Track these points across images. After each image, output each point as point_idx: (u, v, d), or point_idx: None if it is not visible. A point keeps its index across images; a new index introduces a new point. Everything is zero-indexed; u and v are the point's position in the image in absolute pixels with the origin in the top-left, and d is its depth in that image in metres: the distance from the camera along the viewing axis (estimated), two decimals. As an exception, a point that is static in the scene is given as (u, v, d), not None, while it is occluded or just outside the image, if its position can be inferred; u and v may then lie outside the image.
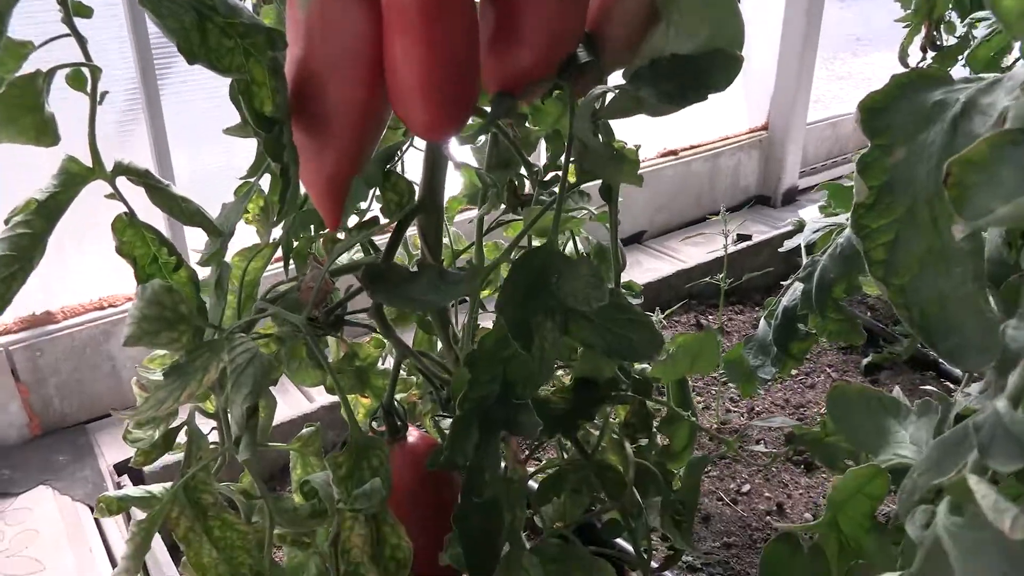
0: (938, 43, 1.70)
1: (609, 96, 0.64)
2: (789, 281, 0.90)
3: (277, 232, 0.82)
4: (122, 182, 0.65)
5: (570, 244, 0.91)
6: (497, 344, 0.63)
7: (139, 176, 0.64)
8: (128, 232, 0.66)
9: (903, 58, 1.77)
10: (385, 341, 0.99)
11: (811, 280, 0.82)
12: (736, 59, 0.58)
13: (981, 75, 0.50)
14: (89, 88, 0.61)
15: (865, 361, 1.79)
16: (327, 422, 1.51)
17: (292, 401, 1.85)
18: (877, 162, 0.50)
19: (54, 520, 1.51)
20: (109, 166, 0.64)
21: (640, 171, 0.96)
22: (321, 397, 1.79)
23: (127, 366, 1.84)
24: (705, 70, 0.59)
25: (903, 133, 0.49)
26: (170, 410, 0.61)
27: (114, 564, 1.42)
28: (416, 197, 0.76)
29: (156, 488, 0.78)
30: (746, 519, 1.31)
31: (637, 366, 0.78)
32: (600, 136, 0.70)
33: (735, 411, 1.58)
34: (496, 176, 0.85)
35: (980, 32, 1.68)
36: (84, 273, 1.82)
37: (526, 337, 0.60)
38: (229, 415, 0.64)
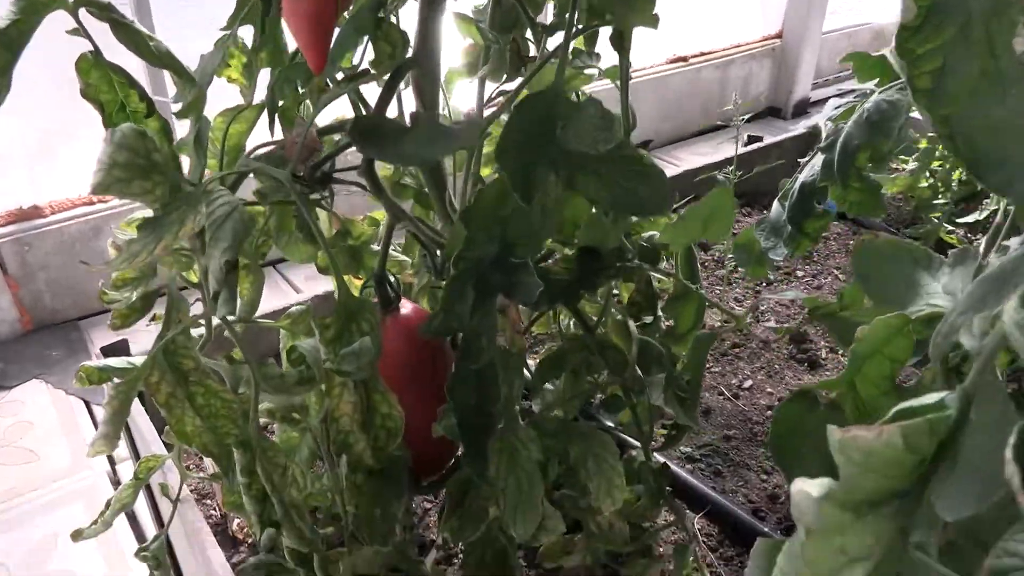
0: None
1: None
2: (808, 157, 0.85)
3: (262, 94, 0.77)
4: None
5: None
6: (496, 199, 0.59)
7: (101, 8, 0.58)
8: (93, 73, 0.60)
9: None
10: (378, 219, 0.94)
11: (833, 149, 0.77)
12: None
13: None
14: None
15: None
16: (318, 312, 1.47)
17: (280, 294, 1.82)
18: None
19: (48, 412, 1.50)
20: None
21: (647, 77, 0.89)
22: (309, 289, 1.76)
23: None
24: None
25: None
26: (144, 263, 0.57)
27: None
28: (410, 48, 0.70)
29: (138, 359, 0.74)
30: (747, 413, 1.29)
31: (645, 234, 0.74)
32: None
33: (740, 308, 1.54)
34: (499, 38, 0.79)
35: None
36: (74, 168, 1.76)
37: (527, 187, 0.55)
38: (208, 270, 0.60)
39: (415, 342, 0.71)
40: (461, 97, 0.96)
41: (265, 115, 0.77)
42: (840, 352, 1.41)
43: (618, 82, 0.68)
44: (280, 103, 0.75)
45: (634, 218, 0.75)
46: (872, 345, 0.46)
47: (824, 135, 0.83)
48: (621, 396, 0.76)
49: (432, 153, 0.63)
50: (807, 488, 0.25)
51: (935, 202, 1.84)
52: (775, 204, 0.90)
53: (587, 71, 0.78)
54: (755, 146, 1.86)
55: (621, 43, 0.64)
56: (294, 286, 1.87)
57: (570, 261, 0.70)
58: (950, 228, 1.80)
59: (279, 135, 0.78)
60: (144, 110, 0.63)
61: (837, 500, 0.25)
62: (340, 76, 0.70)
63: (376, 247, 0.94)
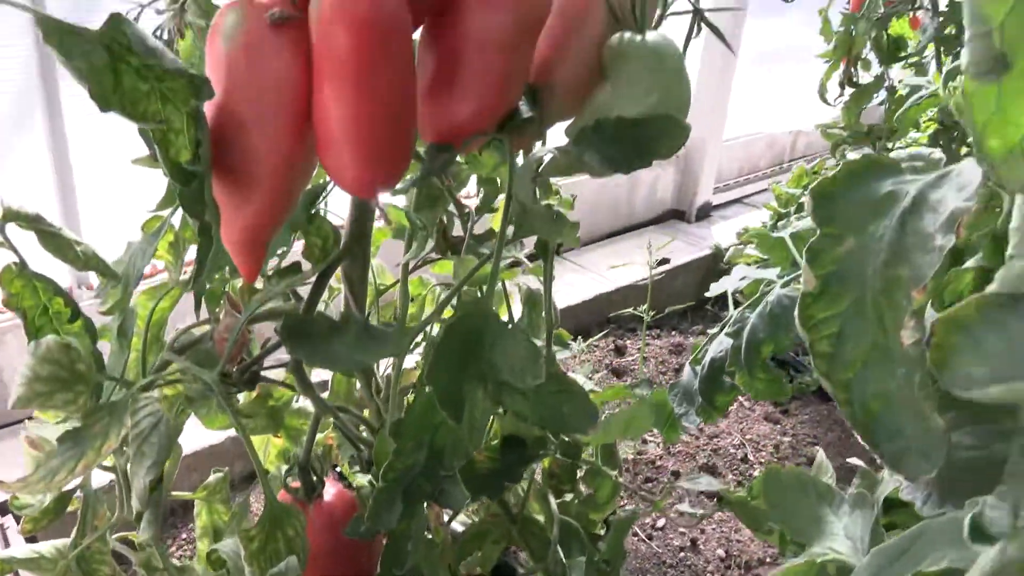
0: (855, 80, 1.75)
1: (550, 155, 0.62)
2: (716, 330, 0.90)
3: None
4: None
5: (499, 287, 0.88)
6: (425, 412, 0.60)
7: (29, 221, 0.58)
8: (16, 283, 0.59)
9: (822, 94, 1.82)
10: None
11: (740, 336, 0.82)
12: (683, 127, 0.57)
13: (926, 156, 0.49)
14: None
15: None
16: (235, 453, 1.43)
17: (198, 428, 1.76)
18: (826, 251, 0.48)
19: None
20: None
21: (562, 181, 0.94)
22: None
23: (12, 378, 1.71)
24: (651, 136, 0.57)
25: (853, 224, 0.48)
26: (63, 483, 0.56)
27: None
28: (342, 242, 0.72)
29: (45, 547, 0.71)
30: (660, 555, 1.32)
31: (567, 426, 0.76)
32: (538, 194, 0.68)
33: (652, 440, 1.59)
34: (424, 216, 0.82)
35: (894, 73, 1.74)
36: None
37: (457, 408, 0.57)
38: (131, 485, 0.59)
39: (338, 534, 0.71)
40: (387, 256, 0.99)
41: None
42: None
43: (541, 279, 0.71)
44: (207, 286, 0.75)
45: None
46: (784, 586, 0.50)
47: (732, 320, 0.88)
48: (543, 578, 0.78)
49: (361, 359, 0.64)
50: None
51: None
52: (687, 368, 0.94)
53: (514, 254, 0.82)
54: (663, 268, 1.94)
55: (546, 251, 0.68)
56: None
57: (494, 451, 0.72)
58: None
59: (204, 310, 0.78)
60: (69, 313, 0.62)
61: None
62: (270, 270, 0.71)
63: (295, 404, 0.93)
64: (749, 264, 1.52)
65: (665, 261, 2.04)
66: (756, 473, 1.56)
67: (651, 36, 0.59)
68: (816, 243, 0.49)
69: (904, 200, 0.47)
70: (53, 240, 0.60)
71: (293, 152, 0.56)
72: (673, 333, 2.01)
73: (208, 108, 0.55)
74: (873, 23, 1.59)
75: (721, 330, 0.88)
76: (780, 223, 1.84)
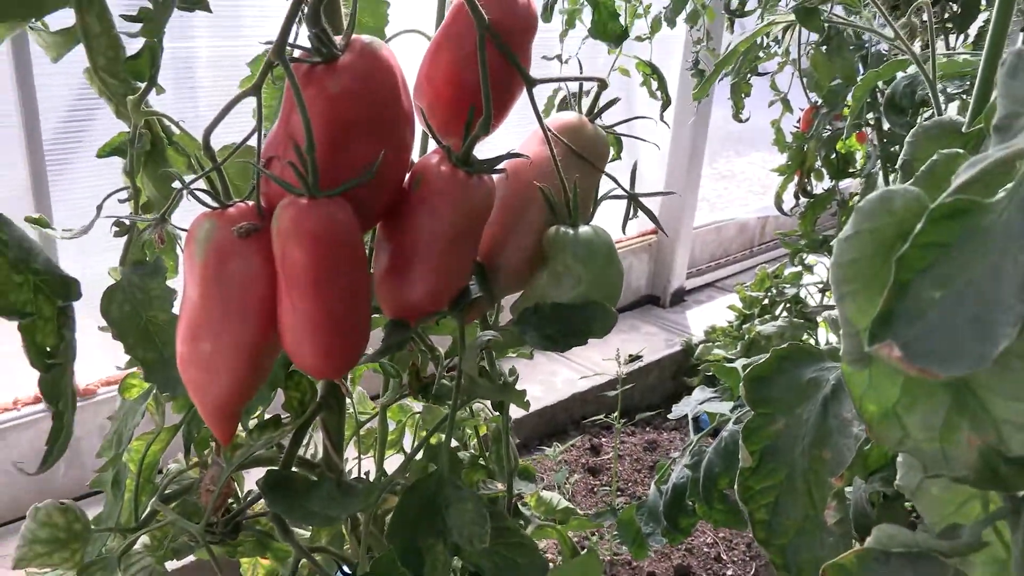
0: (810, 190, 1.87)
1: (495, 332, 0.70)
2: (679, 456, 0.97)
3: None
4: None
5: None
6: (391, 564, 0.67)
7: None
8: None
9: (778, 204, 1.93)
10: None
11: (698, 469, 0.89)
12: (611, 314, 0.65)
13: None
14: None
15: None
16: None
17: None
18: (760, 430, 0.54)
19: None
20: None
21: None
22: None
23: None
24: (583, 320, 0.66)
25: (782, 405, 0.53)
26: (61, 639, 0.62)
27: None
28: (319, 395, 0.79)
29: None
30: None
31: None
32: (489, 366, 0.76)
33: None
34: (396, 360, 0.90)
35: (846, 184, 1.86)
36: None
37: (417, 566, 0.64)
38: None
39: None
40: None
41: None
42: None
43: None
44: (196, 435, 0.82)
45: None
46: None
47: (691, 450, 0.95)
48: None
49: (334, 516, 0.71)
50: None
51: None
52: (652, 488, 1.01)
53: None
54: (636, 365, 2.03)
55: (501, 408, 0.76)
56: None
57: (458, 585, 0.78)
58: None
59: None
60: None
61: None
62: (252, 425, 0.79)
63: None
64: (712, 366, 1.61)
65: (637, 358, 2.13)
66: (730, 573, 1.61)
67: (583, 229, 0.68)
68: (751, 422, 0.54)
69: (825, 387, 0.54)
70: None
71: (258, 344, 0.62)
72: (648, 429, 2.08)
73: (185, 301, 0.62)
74: (822, 141, 1.71)
75: (684, 454, 0.96)
76: (744, 325, 1.95)
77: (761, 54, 1.64)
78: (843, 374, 0.35)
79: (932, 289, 0.24)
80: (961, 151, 0.36)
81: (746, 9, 1.65)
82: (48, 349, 0.57)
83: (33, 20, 0.63)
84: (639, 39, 1.95)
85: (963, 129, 0.59)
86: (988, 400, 0.31)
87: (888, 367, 0.32)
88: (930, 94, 0.61)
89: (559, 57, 1.97)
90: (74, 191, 1.98)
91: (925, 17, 0.98)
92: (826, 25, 1.12)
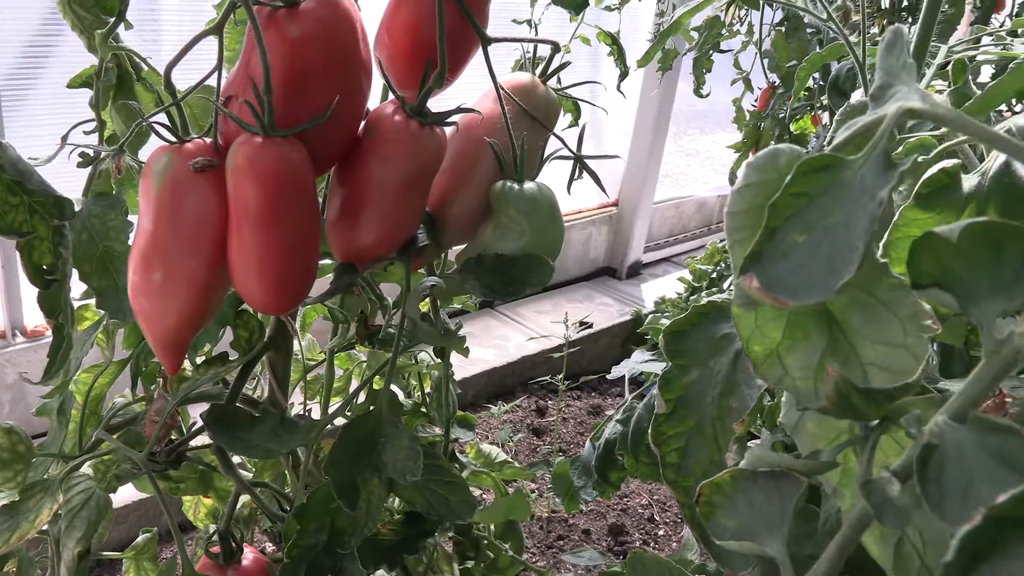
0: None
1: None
2: (612, 414, 1.02)
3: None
4: None
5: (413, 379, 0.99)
6: (327, 497, 0.70)
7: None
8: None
9: (732, 180, 1.98)
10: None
11: (628, 424, 0.94)
12: (549, 267, 0.68)
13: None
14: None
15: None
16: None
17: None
18: (675, 379, 0.57)
19: None
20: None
21: None
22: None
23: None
24: (523, 271, 0.69)
25: (697, 357, 0.56)
26: (1, 552, 0.64)
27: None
28: (267, 334, 0.81)
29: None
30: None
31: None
32: (433, 315, 0.79)
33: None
34: (345, 307, 0.92)
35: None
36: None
37: (351, 498, 0.67)
38: (61, 555, 0.67)
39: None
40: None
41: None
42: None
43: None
44: (143, 368, 0.84)
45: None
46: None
47: (624, 407, 0.99)
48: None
49: (275, 450, 0.74)
50: None
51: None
52: (587, 443, 1.06)
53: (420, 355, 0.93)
54: (586, 332, 2.07)
55: (442, 354, 0.79)
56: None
57: (398, 524, 0.82)
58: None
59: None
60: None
61: None
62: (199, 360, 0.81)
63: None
64: (655, 333, 1.65)
65: (588, 325, 2.18)
66: (662, 533, 1.68)
67: (528, 185, 0.71)
68: (668, 372, 0.58)
69: (737, 342, 0.58)
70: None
71: (208, 277, 0.64)
72: (593, 394, 2.14)
73: (139, 232, 0.64)
74: (777, 121, 1.76)
75: (619, 409, 1.00)
76: (692, 296, 2.01)
77: (724, 31, 1.67)
78: (733, 316, 0.38)
79: (797, 234, 0.27)
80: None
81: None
82: (45, 267, 0.59)
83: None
84: (608, 9, 1.97)
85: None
86: (858, 344, 0.34)
87: (772, 311, 0.35)
88: (860, 77, 0.65)
89: (529, 22, 1.99)
90: (30, 128, 1.95)
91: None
92: (780, 5, 1.15)
